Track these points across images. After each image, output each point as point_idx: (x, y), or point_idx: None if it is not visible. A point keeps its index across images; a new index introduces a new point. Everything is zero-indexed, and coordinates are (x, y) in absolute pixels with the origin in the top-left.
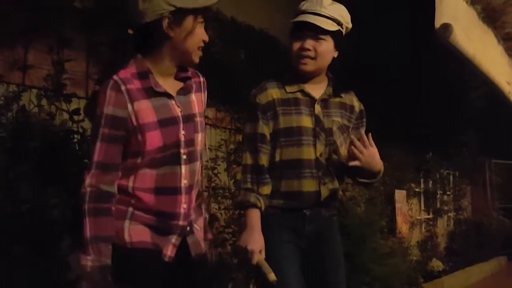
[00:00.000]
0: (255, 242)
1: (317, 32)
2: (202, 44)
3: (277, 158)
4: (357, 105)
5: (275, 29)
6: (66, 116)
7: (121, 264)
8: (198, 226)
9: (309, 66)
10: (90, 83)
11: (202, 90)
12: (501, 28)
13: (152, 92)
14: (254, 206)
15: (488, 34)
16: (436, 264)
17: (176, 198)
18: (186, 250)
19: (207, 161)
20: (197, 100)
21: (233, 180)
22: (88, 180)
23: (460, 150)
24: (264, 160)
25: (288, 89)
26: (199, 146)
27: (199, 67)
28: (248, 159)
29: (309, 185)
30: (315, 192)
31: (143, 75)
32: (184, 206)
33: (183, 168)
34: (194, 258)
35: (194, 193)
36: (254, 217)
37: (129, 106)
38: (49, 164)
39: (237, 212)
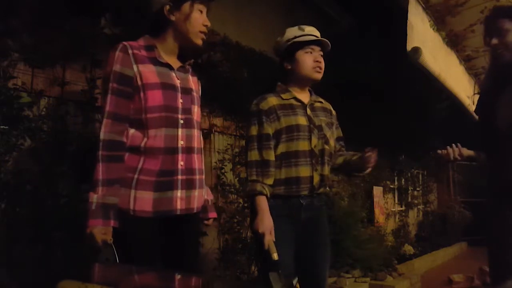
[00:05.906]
0: (266, 225)
1: (322, 49)
2: (203, 29)
3: (278, 152)
4: (332, 109)
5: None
6: (97, 124)
7: (123, 226)
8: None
9: (321, 75)
10: None
11: (198, 84)
12: (462, 51)
13: (156, 61)
14: (261, 193)
15: (451, 56)
16: (408, 249)
17: (174, 157)
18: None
19: (216, 162)
20: (193, 81)
21: (237, 178)
22: (102, 129)
23: (428, 153)
24: (270, 155)
25: (284, 96)
26: (195, 116)
27: (210, 83)
28: (253, 155)
29: (304, 171)
30: (309, 177)
31: (149, 48)
32: (181, 163)
33: (180, 131)
34: (195, 212)
35: (194, 156)
36: (262, 203)
37: (135, 67)
38: (83, 164)
39: (241, 204)
